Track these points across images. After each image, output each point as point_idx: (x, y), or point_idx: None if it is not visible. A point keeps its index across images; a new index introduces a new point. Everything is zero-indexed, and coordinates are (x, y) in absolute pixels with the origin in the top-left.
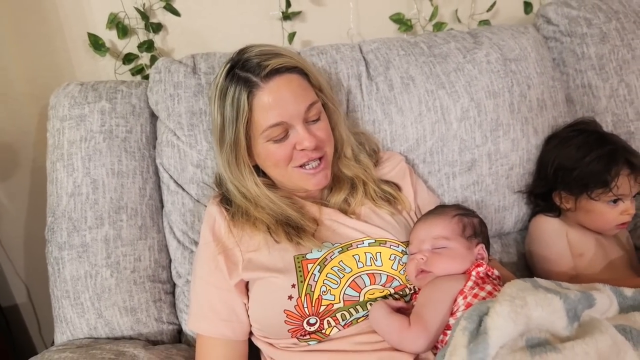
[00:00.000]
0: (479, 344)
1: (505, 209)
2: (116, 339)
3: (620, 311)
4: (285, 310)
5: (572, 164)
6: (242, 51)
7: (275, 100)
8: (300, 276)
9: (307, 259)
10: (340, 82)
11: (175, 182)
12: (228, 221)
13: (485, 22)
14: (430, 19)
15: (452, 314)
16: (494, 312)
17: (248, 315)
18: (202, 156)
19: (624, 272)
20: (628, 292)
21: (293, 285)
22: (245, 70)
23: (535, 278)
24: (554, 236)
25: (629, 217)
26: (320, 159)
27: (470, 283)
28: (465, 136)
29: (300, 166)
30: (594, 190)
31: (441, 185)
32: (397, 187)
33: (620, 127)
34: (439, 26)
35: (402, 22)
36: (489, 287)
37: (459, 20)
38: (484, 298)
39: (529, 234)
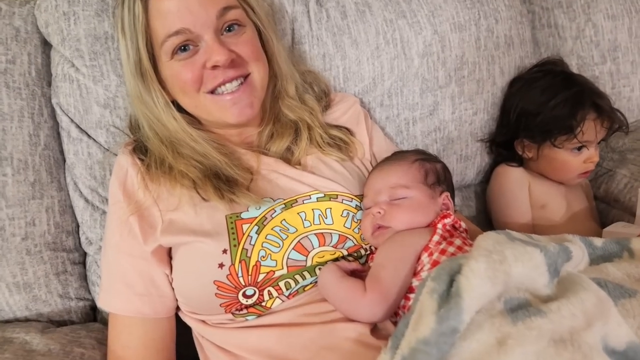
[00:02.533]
0: (451, 310)
1: (468, 158)
2: (7, 321)
3: (590, 263)
4: (215, 281)
5: (536, 108)
6: None
7: (175, 3)
8: (234, 240)
9: (242, 218)
10: (283, 7)
11: (78, 126)
12: (143, 174)
13: None
14: None
15: (415, 274)
16: (468, 270)
17: (172, 288)
18: (110, 93)
19: (585, 224)
20: (598, 242)
21: (224, 251)
22: None
23: (507, 230)
24: (515, 187)
25: (592, 166)
26: (242, 80)
27: (436, 237)
28: (428, 75)
29: (213, 91)
30: (557, 137)
31: (400, 133)
32: (349, 131)
33: (585, 71)
34: None
35: None
36: (458, 241)
37: None
38: (452, 254)
39: (489, 184)
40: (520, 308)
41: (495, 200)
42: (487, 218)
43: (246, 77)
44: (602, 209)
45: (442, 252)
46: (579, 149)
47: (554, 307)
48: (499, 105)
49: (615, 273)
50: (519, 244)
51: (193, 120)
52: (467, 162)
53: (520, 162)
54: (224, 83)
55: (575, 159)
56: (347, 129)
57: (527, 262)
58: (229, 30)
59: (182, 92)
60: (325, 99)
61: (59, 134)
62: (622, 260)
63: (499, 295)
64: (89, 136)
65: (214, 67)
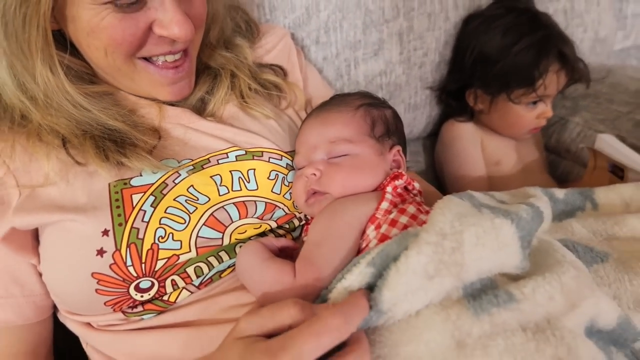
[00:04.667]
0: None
1: (417, 107)
2: None
3: (553, 218)
4: (94, 273)
5: (496, 53)
6: None
7: None
8: (119, 216)
9: (132, 186)
10: None
11: None
12: None
13: None
14: None
15: (359, 252)
16: (403, 262)
17: (44, 283)
18: None
19: (540, 177)
20: (559, 193)
21: (105, 232)
22: None
23: (469, 192)
24: (468, 145)
25: (544, 121)
26: (184, 52)
27: (385, 204)
28: (372, 6)
29: (148, 59)
30: (515, 91)
31: (340, 77)
32: (283, 71)
33: (539, 8)
34: None
35: None
36: (411, 209)
37: None
38: (406, 225)
39: (439, 141)
40: (485, 293)
41: (447, 161)
42: (436, 175)
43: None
44: (552, 160)
45: (392, 223)
46: (535, 102)
47: (527, 291)
48: (451, 45)
49: (581, 231)
50: (486, 216)
51: (79, 62)
52: (415, 111)
53: (471, 115)
54: (169, 54)
55: (529, 114)
56: (281, 68)
57: (492, 242)
58: None
59: (105, 51)
60: (251, 37)
61: None
62: (585, 213)
63: (459, 283)
64: None
65: (163, 36)
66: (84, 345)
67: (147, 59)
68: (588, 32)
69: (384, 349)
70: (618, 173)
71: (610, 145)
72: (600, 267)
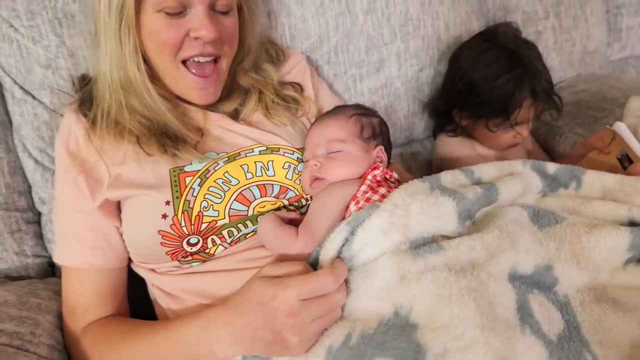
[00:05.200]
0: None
1: (415, 114)
2: None
3: (542, 189)
4: (159, 231)
5: (479, 85)
6: None
7: None
8: (176, 192)
9: (185, 171)
10: None
11: (22, 87)
12: (87, 130)
13: None
14: None
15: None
16: (367, 223)
17: (123, 240)
18: (51, 54)
19: None
20: (551, 168)
21: (167, 203)
22: None
23: (439, 174)
24: (465, 150)
25: (521, 139)
26: (215, 61)
27: (363, 187)
28: (373, 32)
29: (186, 61)
30: (492, 120)
31: (348, 90)
32: (300, 87)
33: (529, 27)
34: None
35: None
36: (383, 190)
37: None
38: (376, 201)
39: (436, 153)
40: (424, 245)
41: (450, 167)
42: (431, 172)
43: (217, 59)
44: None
45: (367, 200)
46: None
47: (453, 244)
48: (444, 61)
49: (552, 205)
50: (434, 194)
51: (152, 73)
52: (414, 117)
53: (460, 129)
54: (200, 55)
55: (506, 135)
56: (298, 84)
57: (432, 212)
58: (218, 9)
59: (157, 49)
60: (277, 62)
61: (3, 95)
62: (566, 193)
63: (405, 239)
64: (33, 97)
65: (197, 38)
66: (149, 286)
67: (185, 65)
68: (577, 46)
69: (355, 284)
70: (624, 163)
71: (628, 134)
72: (552, 228)
